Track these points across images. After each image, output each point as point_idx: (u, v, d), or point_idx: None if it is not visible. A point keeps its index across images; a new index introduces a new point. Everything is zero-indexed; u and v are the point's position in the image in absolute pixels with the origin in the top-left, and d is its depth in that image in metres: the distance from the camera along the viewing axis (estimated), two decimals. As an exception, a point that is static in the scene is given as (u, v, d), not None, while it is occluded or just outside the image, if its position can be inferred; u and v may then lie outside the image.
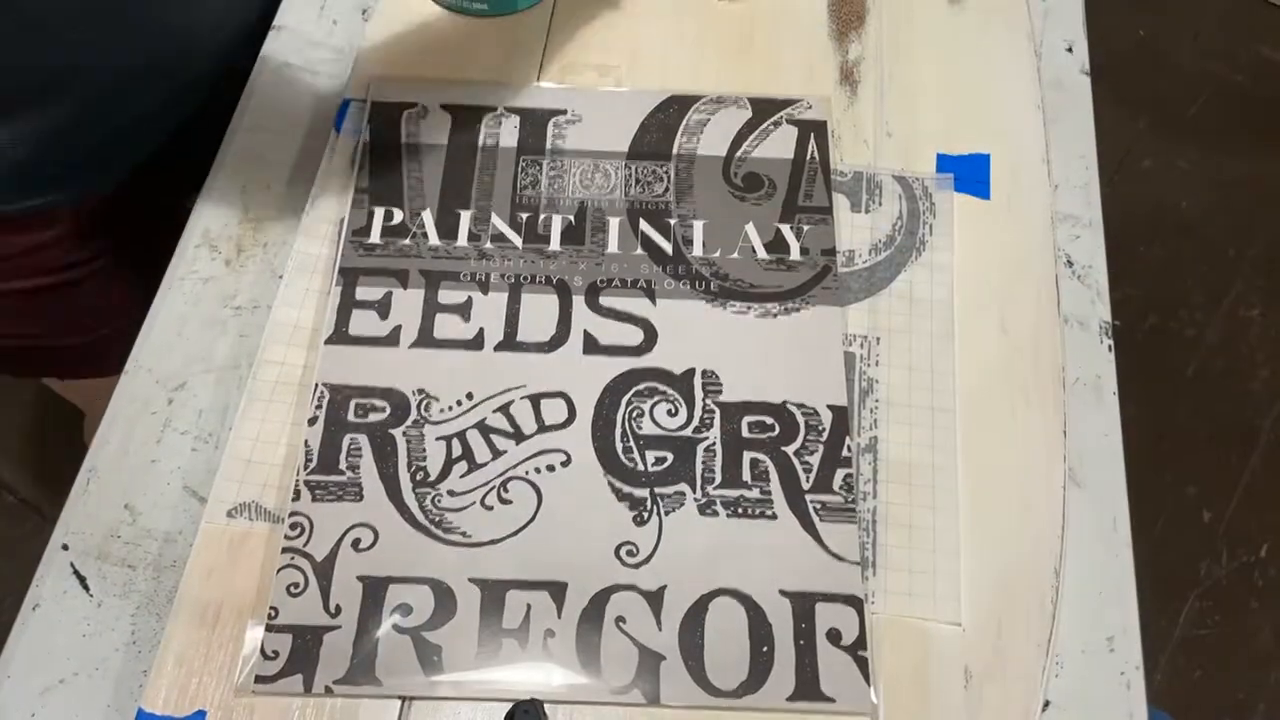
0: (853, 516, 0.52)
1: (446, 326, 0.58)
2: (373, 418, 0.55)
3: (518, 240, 0.60)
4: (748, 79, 0.67)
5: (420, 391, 0.55)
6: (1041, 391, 0.56)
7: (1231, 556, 1.31)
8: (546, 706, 0.47)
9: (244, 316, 0.60)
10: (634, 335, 0.57)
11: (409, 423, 0.54)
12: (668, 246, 0.60)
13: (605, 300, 0.58)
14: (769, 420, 0.55)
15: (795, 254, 0.60)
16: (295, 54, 0.70)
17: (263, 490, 0.53)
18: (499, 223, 0.61)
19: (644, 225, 0.61)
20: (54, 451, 1.31)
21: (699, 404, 0.55)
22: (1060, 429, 0.55)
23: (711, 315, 0.58)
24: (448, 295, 0.58)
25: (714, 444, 0.54)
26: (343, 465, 0.53)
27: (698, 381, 0.56)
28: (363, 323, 0.58)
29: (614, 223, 0.61)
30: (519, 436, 0.54)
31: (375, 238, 0.60)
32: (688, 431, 0.54)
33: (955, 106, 0.66)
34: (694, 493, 0.53)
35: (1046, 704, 0.50)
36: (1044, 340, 0.58)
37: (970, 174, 0.64)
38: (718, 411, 0.55)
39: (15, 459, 1.35)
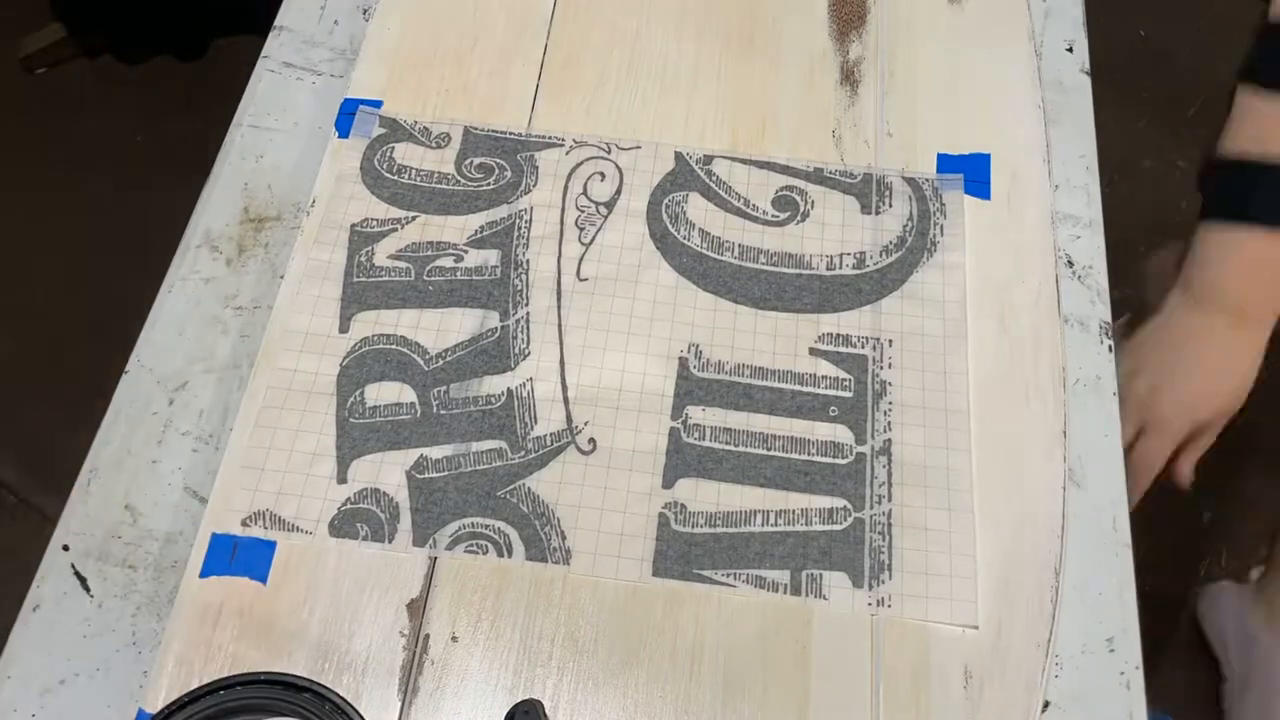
0: None
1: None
2: None
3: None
4: (748, 78, 0.67)
5: None
6: (1041, 391, 0.56)
7: (1231, 556, 1.31)
8: (547, 708, 0.47)
9: (245, 316, 0.60)
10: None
11: None
12: None
13: None
14: None
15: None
16: (296, 54, 0.70)
17: (276, 499, 0.53)
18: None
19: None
20: (54, 451, 1.31)
21: None
22: (1060, 429, 0.55)
23: None
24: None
25: None
26: None
27: None
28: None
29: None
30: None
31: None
32: None
33: (955, 106, 0.66)
34: None
35: (1046, 704, 0.50)
36: (1044, 340, 0.58)
37: (970, 174, 0.64)
38: None
39: (15, 459, 1.35)
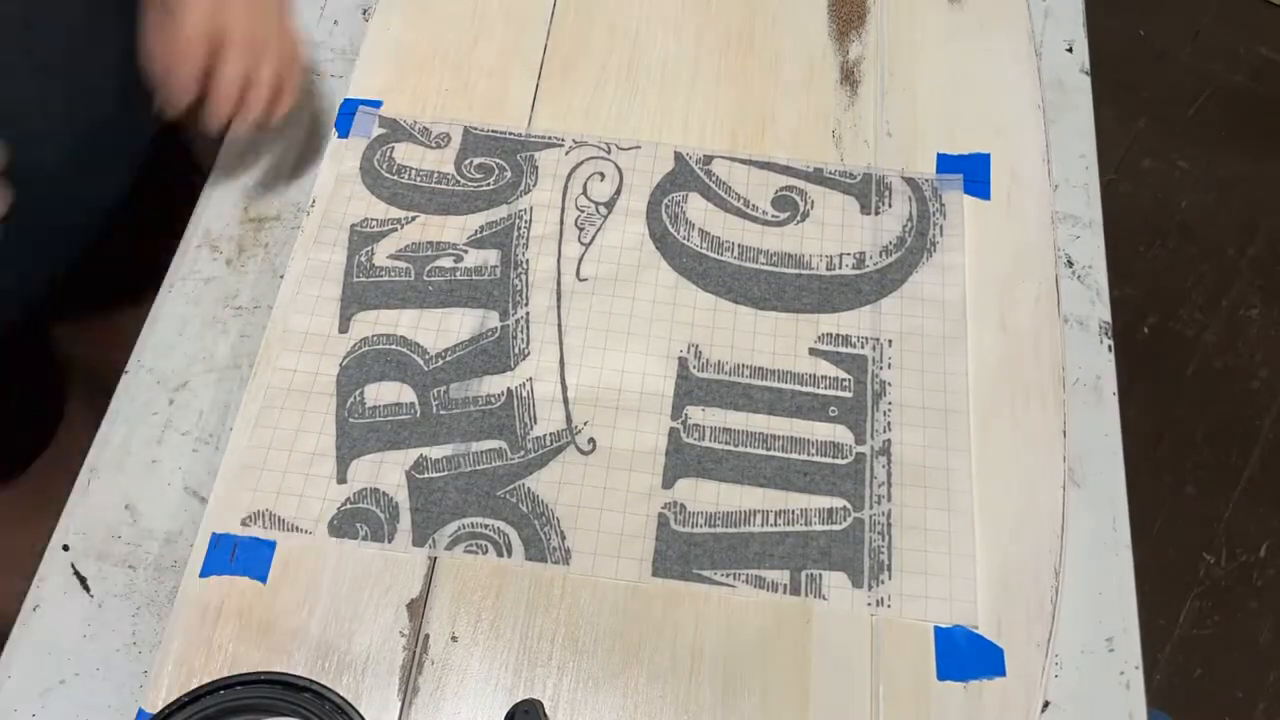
0: None
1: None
2: None
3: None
4: (748, 78, 0.67)
5: None
6: (1042, 391, 0.56)
7: (1231, 556, 1.31)
8: (547, 708, 0.47)
9: (245, 316, 0.60)
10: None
11: None
12: None
13: None
14: None
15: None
16: (295, 54, 0.70)
17: (276, 499, 0.53)
18: None
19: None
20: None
21: None
22: (1060, 429, 0.55)
23: None
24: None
25: None
26: None
27: None
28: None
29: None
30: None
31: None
32: None
33: (955, 106, 0.66)
34: None
35: (1046, 704, 0.50)
36: (1044, 340, 0.58)
37: (970, 174, 0.64)
38: None
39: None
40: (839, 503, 0.53)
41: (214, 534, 0.52)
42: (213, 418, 0.57)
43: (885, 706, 0.49)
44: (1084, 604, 0.52)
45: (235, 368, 0.58)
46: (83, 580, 0.52)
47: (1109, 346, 0.60)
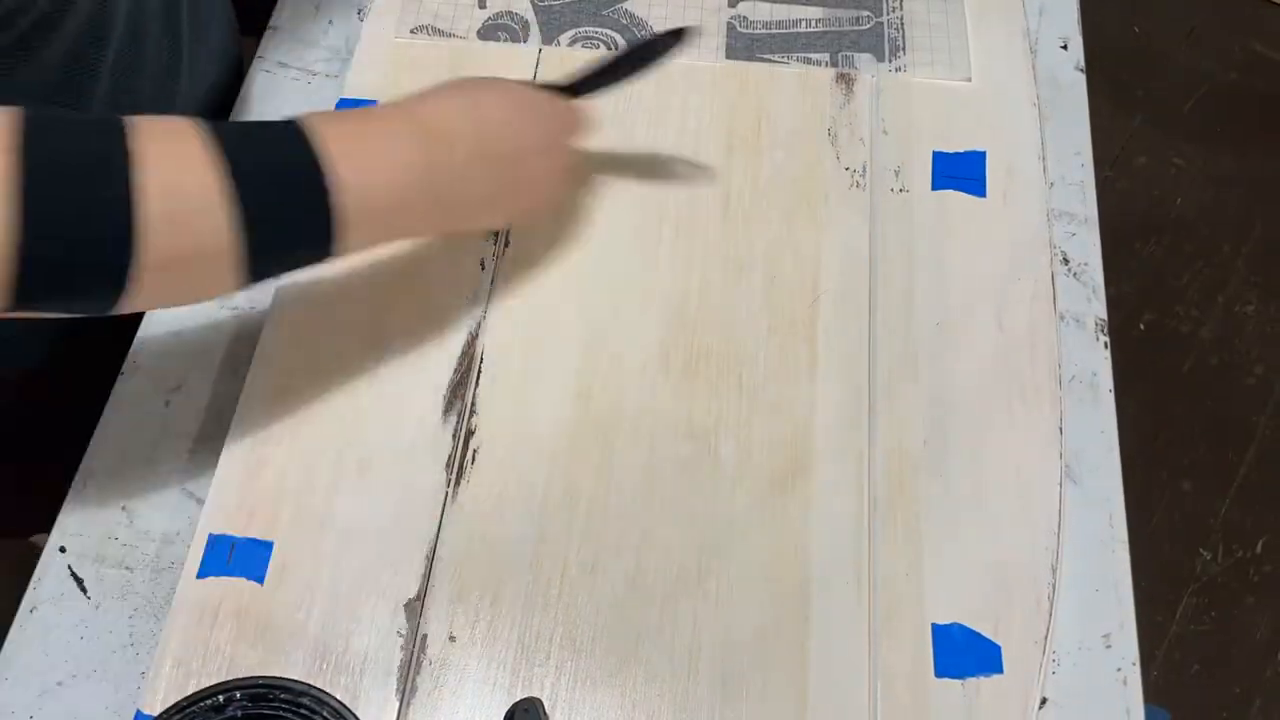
0: None
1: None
2: None
3: None
4: (742, 76, 0.67)
5: None
6: (1038, 389, 0.56)
7: (1227, 552, 1.32)
8: (546, 706, 0.47)
9: (241, 317, 0.60)
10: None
11: None
12: None
13: None
14: None
15: None
16: (290, 54, 0.70)
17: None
18: None
19: None
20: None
21: None
22: (1056, 426, 0.55)
23: None
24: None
25: None
26: None
27: None
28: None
29: None
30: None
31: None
32: None
33: (951, 104, 0.66)
34: None
35: (1044, 701, 0.50)
36: (1040, 338, 0.58)
37: (966, 171, 0.64)
38: None
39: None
40: (863, 12, 0.69)
41: (211, 535, 0.52)
42: (209, 419, 0.56)
43: (883, 704, 0.49)
44: (1081, 601, 0.52)
45: (232, 369, 0.58)
46: (80, 582, 0.52)
47: (1105, 344, 0.60)
